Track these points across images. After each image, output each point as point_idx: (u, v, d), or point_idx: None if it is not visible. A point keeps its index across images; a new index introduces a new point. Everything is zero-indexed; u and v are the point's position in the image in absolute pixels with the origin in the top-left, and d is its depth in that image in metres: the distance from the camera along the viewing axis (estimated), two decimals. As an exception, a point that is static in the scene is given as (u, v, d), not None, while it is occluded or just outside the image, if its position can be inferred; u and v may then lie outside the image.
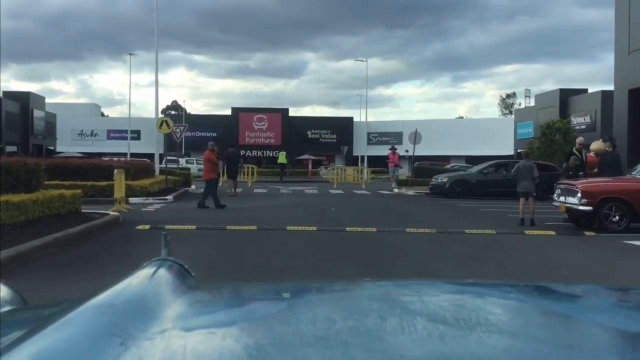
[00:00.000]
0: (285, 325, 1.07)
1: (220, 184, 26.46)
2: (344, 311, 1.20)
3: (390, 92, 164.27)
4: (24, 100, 68.96)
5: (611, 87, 36.84)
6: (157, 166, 33.41)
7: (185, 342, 0.97)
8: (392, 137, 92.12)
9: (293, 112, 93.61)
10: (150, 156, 41.73)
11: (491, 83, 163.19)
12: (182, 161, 62.13)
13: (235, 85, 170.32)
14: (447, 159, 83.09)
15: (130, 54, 75.69)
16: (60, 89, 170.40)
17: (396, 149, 36.72)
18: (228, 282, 1.83)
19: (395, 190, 34.02)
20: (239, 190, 29.89)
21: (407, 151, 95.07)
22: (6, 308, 1.39)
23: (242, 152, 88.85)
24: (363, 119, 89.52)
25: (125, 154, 65.61)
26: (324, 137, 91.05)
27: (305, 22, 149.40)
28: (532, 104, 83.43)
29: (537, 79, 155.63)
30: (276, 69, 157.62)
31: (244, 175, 38.08)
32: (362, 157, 79.27)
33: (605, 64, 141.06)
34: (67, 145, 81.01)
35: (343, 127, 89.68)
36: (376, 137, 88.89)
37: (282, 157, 46.13)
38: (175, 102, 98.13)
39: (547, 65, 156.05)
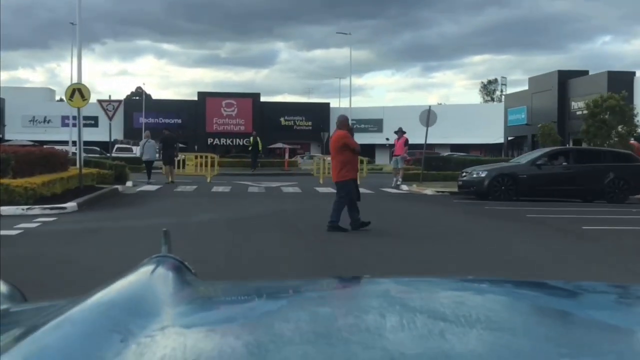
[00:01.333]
0: (285, 322, 1.03)
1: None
2: (344, 308, 1.18)
3: (361, 82, 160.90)
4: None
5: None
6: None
7: (186, 339, 0.94)
8: (372, 124, 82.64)
9: (265, 99, 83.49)
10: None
11: (461, 73, 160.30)
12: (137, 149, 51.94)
13: (205, 74, 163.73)
14: (430, 147, 73.70)
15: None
16: (27, 77, 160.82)
17: (404, 132, 26.87)
18: (229, 280, 1.72)
19: (404, 187, 24.39)
20: (180, 187, 20.21)
21: (387, 139, 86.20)
22: (6, 305, 1.31)
23: (210, 140, 79.35)
24: (341, 106, 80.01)
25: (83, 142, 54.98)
26: (299, 124, 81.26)
27: (275, 12, 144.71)
28: (509, 92, 74.16)
29: (507, 69, 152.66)
30: (247, 58, 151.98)
31: (201, 166, 28.04)
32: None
33: (575, 54, 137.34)
34: (16, 133, 70.76)
35: (319, 114, 79.87)
36: (354, 124, 78.84)
37: (254, 141, 35.11)
38: (139, 88, 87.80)
39: (517, 56, 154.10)
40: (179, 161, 27.51)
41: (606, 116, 28.41)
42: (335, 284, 1.58)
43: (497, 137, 74.69)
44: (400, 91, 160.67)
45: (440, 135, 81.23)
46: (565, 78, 62.99)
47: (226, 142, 78.63)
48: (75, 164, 20.43)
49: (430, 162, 27.27)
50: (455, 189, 22.63)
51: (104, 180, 22.58)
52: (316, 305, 1.21)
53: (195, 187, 23.50)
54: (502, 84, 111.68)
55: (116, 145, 51.70)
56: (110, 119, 25.36)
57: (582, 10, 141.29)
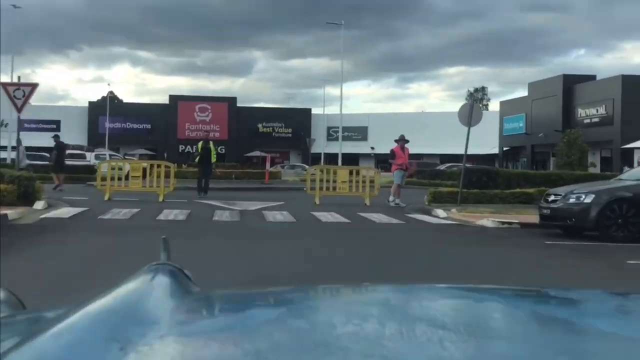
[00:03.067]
0: (284, 330, 1.02)
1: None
2: (343, 316, 1.13)
3: (338, 92, 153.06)
4: None
5: None
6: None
7: (185, 347, 0.93)
8: (356, 132, 74.67)
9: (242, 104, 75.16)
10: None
11: (437, 84, 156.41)
12: (107, 155, 43.35)
13: (181, 82, 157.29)
14: (419, 157, 66.12)
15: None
16: None
17: (407, 140, 19.48)
18: (228, 288, 1.50)
19: (440, 213, 16.39)
20: (110, 213, 12.19)
21: (372, 148, 78.39)
22: (5, 313, 1.29)
23: (181, 148, 70.74)
24: (320, 112, 72.17)
25: (44, 148, 45.92)
26: (278, 131, 73.19)
27: (251, 20, 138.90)
28: (494, 105, 66.49)
29: (481, 81, 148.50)
30: (223, 66, 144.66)
31: (152, 178, 19.82)
32: (336, 154, 61.82)
33: (549, 67, 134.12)
34: None
35: (300, 120, 71.89)
36: (337, 132, 70.87)
37: (203, 148, 22.28)
38: (111, 92, 78.97)
39: (491, 68, 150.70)
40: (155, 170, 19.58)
41: None
42: (334, 292, 1.49)
43: (490, 147, 67.12)
44: (376, 102, 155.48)
45: (429, 144, 73.91)
46: (571, 83, 55.56)
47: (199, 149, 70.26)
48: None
49: (471, 177, 19.23)
50: (526, 218, 14.64)
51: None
52: (315, 313, 1.18)
53: (136, 210, 15.33)
54: (483, 94, 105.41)
55: (66, 151, 43.07)
56: (19, 110, 17.04)
57: (557, 23, 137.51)
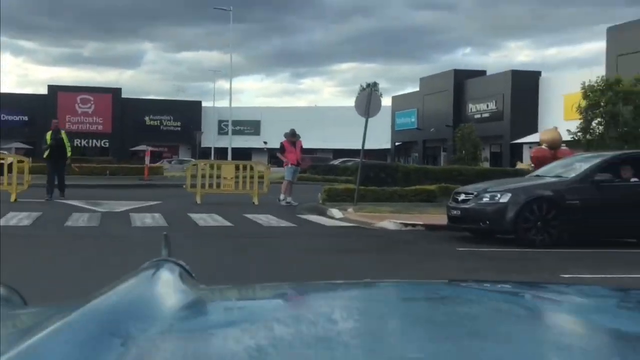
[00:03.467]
0: (286, 326, 1.02)
1: None
2: (345, 312, 1.13)
3: (230, 86, 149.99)
4: None
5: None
6: None
7: (186, 343, 0.92)
8: (248, 126, 72.33)
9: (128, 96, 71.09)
10: None
11: (329, 80, 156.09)
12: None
13: (67, 74, 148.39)
14: (313, 152, 64.64)
15: None
16: None
17: (299, 136, 17.57)
18: (229, 283, 1.42)
19: (335, 213, 14.46)
20: None
21: (265, 142, 76.19)
22: (5, 309, 1.26)
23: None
24: (212, 105, 69.34)
25: None
26: (166, 125, 69.76)
27: (140, 11, 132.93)
28: (386, 101, 65.75)
29: (373, 77, 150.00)
30: (111, 58, 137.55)
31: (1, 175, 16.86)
32: (217, 149, 59.06)
33: (437, 64, 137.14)
34: None
35: (189, 113, 68.75)
36: (227, 125, 68.30)
37: (53, 138, 17.65)
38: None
39: (382, 65, 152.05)
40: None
41: (618, 109, 18.76)
42: (335, 288, 1.47)
43: (382, 142, 66.47)
44: (270, 96, 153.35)
45: (320, 139, 72.48)
46: (461, 78, 55.32)
47: (81, 143, 65.75)
48: None
49: (367, 172, 17.36)
50: (431, 219, 12.96)
51: None
52: (317, 308, 1.17)
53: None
54: (374, 90, 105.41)
55: None
56: None
57: (444, 22, 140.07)
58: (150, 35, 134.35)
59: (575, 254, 9.83)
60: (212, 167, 17.91)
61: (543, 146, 33.72)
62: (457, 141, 36.47)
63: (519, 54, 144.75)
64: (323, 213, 14.97)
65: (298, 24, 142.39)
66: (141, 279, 1.15)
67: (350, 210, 14.72)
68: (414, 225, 12.37)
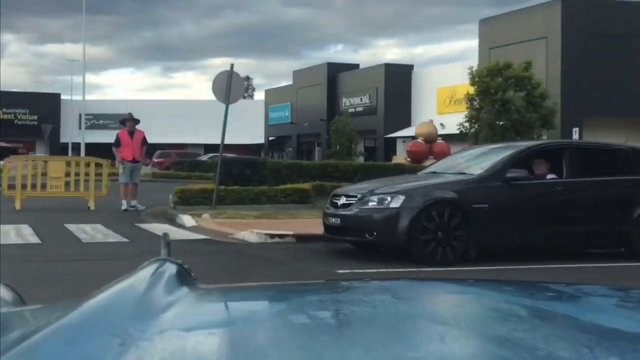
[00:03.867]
0: (284, 325, 1.02)
1: None
2: (343, 311, 1.13)
3: (99, 80, 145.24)
4: None
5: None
6: None
7: (185, 343, 0.91)
8: (112, 119, 67.07)
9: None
10: None
11: (202, 75, 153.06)
12: None
13: None
14: (183, 147, 60.88)
15: None
16: None
17: (137, 120, 14.31)
18: (228, 283, 1.45)
19: (187, 220, 11.45)
20: None
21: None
22: (5, 308, 1.26)
23: None
24: (74, 98, 63.90)
25: None
26: (21, 119, 63.55)
27: (2, 0, 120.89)
28: (260, 95, 62.90)
29: (246, 72, 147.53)
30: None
31: None
32: (77, 145, 54.05)
33: (309, 61, 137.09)
34: None
35: (47, 106, 62.87)
36: (91, 119, 63.13)
37: None
38: None
39: (255, 60, 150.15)
40: None
41: (510, 96, 16.46)
42: (334, 287, 1.46)
43: (256, 137, 63.68)
44: (141, 90, 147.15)
45: (191, 133, 68.55)
46: (335, 72, 53.30)
47: None
48: None
49: (230, 169, 14.29)
50: (304, 227, 10.31)
51: None
52: (315, 308, 1.15)
53: None
54: (248, 86, 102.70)
55: None
56: None
57: (316, 19, 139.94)
58: (13, 26, 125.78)
59: (485, 273, 7.44)
60: (35, 165, 14.37)
61: (419, 140, 32.02)
62: (332, 135, 34.15)
63: (388, 52, 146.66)
64: (172, 220, 11.97)
65: (169, 17, 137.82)
66: (140, 278, 1.13)
67: (205, 216, 11.80)
68: (282, 236, 9.63)
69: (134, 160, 13.92)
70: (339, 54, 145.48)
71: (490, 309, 1.14)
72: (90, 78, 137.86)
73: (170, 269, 1.18)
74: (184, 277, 1.19)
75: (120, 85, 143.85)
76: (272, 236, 9.59)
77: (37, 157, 15.63)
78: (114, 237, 9.70)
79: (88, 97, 58.85)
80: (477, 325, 1.02)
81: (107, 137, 61.77)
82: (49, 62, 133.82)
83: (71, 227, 10.60)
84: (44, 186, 14.10)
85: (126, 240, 9.51)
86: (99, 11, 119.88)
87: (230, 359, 0.86)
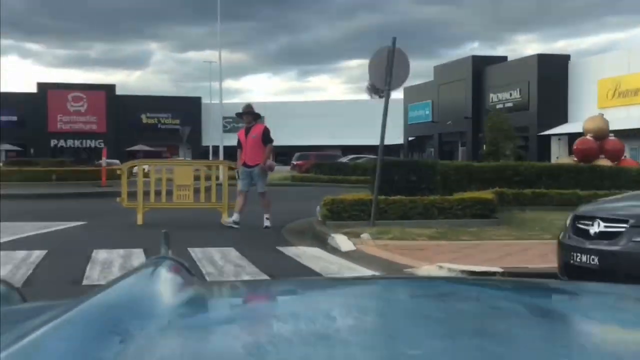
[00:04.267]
0: (284, 323, 1.00)
1: None
2: (344, 309, 1.11)
3: (238, 85, 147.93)
4: None
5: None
6: None
7: (185, 340, 0.91)
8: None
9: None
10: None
11: (336, 77, 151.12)
12: None
13: (75, 75, 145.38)
14: (320, 149, 58.70)
15: None
16: None
17: (257, 114, 11.14)
18: (227, 280, 1.65)
19: (342, 244, 8.54)
20: None
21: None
22: (5, 305, 1.23)
23: (53, 142, 60.30)
24: (214, 102, 63.54)
25: None
26: (164, 123, 64.08)
27: (145, 11, 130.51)
28: (398, 93, 59.09)
29: None
30: (118, 59, 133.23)
31: None
32: (217, 148, 53.29)
33: (445, 59, 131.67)
34: None
35: (189, 110, 62.96)
36: (231, 122, 62.44)
37: None
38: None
39: None
40: None
41: None
42: (334, 284, 1.44)
43: (394, 137, 60.56)
44: (277, 94, 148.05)
45: (328, 135, 66.56)
46: (480, 65, 49.19)
47: (74, 143, 60.45)
48: None
49: (390, 175, 11.16)
50: (518, 260, 7.10)
51: None
52: (315, 305, 1.14)
53: None
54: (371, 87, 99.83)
55: None
56: None
57: (451, 17, 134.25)
58: (157, 36, 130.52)
59: None
60: (159, 169, 11.99)
61: (588, 136, 27.57)
62: (487, 133, 30.41)
63: (527, 47, 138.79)
64: (322, 240, 9.16)
65: (304, 21, 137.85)
66: (140, 276, 1.12)
67: (365, 236, 8.90)
68: (487, 273, 6.49)
69: (246, 165, 10.87)
70: (475, 51, 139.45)
71: (489, 307, 1.11)
72: (230, 83, 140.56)
73: (170, 266, 1.17)
74: (183, 275, 1.16)
75: (259, 90, 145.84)
76: (473, 274, 6.48)
77: (157, 162, 13.29)
78: (248, 270, 6.95)
79: (228, 101, 58.01)
80: (476, 323, 1.00)
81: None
82: (191, 68, 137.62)
83: (196, 252, 8.02)
84: (172, 195, 11.66)
85: (265, 277, 6.73)
86: (235, 18, 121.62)
87: (231, 356, 0.83)
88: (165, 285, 1.11)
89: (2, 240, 8.88)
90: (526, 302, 1.17)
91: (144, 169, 11.65)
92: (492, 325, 0.99)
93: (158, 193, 11.65)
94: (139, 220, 11.07)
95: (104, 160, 21.52)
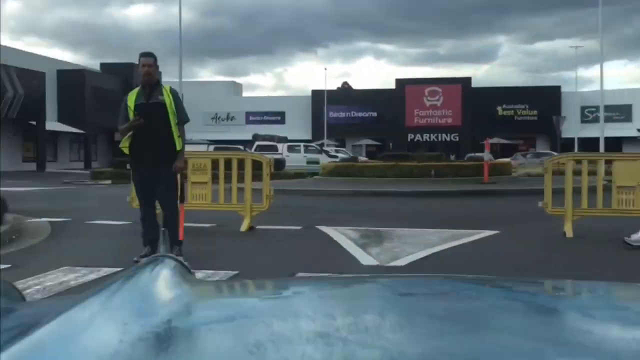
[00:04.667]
0: (284, 321, 0.99)
1: None
2: (343, 307, 1.10)
3: (589, 74, 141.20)
4: (127, 74, 47.19)
5: None
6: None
7: (185, 339, 0.90)
8: (617, 111, 59.17)
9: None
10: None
11: None
12: (283, 148, 35.00)
13: (425, 72, 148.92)
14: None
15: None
16: (258, 82, 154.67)
17: None
18: (227, 279, 1.63)
19: None
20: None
21: (639, 130, 61.98)
22: (5, 304, 1.21)
23: (410, 136, 60.96)
24: (577, 90, 58.16)
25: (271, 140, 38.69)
26: (521, 114, 60.45)
27: (493, 3, 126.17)
28: None
29: None
30: (465, 54, 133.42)
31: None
32: (581, 140, 48.26)
33: None
34: (196, 132, 57.37)
35: (547, 100, 58.43)
36: (593, 112, 56.22)
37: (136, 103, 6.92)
38: (345, 83, 72.23)
39: None
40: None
41: None
42: (334, 283, 1.44)
43: None
44: (634, 82, 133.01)
45: None
46: None
47: (430, 137, 60.17)
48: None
49: None
50: None
51: None
52: (315, 304, 1.14)
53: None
54: None
55: (256, 143, 35.52)
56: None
57: None
58: (504, 28, 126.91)
59: None
60: (595, 164, 9.01)
61: None
62: None
63: None
64: None
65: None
66: (140, 275, 1.12)
67: None
68: None
69: None
70: None
71: (490, 305, 1.11)
72: (582, 72, 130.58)
73: (170, 265, 1.17)
74: (183, 274, 1.16)
75: (614, 78, 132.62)
76: None
77: (597, 156, 10.28)
78: None
79: (585, 89, 52.36)
80: (476, 321, 0.98)
81: (613, 131, 54.41)
82: (539, 60, 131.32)
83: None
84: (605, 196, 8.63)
85: None
86: (589, 4, 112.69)
87: (230, 355, 0.83)
88: (165, 283, 1.08)
89: (402, 264, 6.84)
90: (525, 300, 1.13)
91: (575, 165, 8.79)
92: (491, 324, 0.97)
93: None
94: (569, 232, 8.29)
95: (486, 154, 19.19)
